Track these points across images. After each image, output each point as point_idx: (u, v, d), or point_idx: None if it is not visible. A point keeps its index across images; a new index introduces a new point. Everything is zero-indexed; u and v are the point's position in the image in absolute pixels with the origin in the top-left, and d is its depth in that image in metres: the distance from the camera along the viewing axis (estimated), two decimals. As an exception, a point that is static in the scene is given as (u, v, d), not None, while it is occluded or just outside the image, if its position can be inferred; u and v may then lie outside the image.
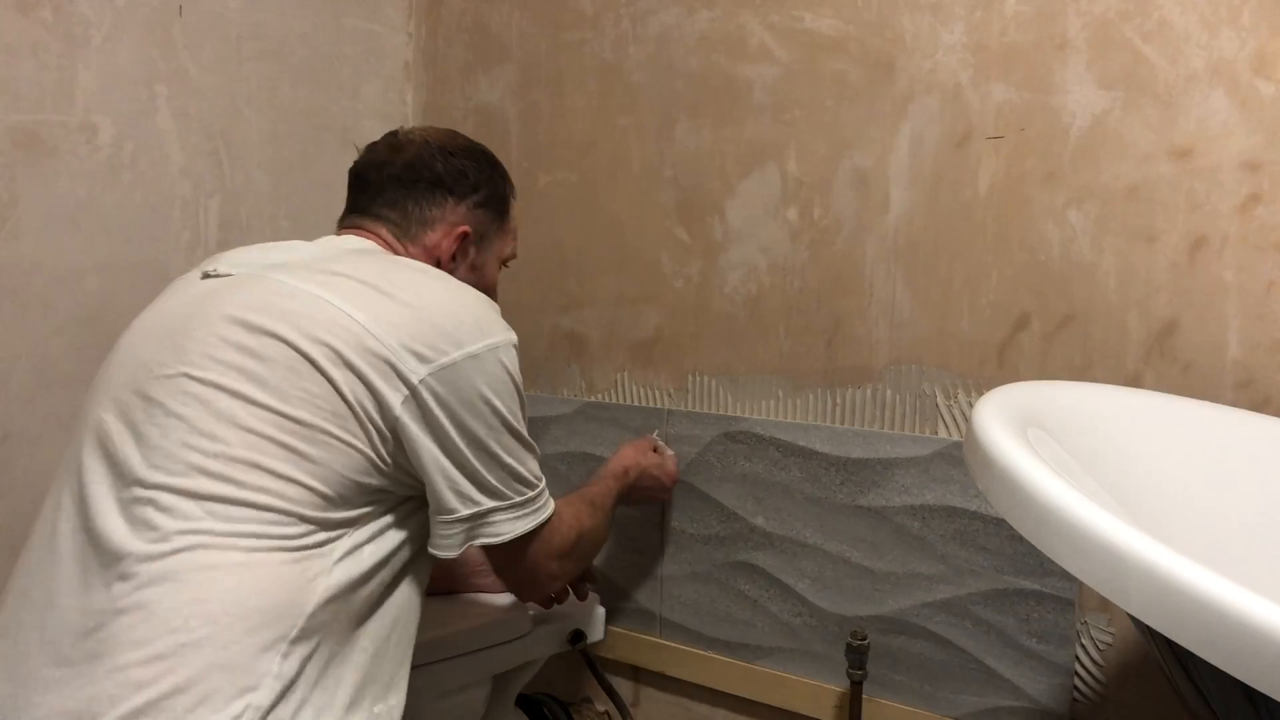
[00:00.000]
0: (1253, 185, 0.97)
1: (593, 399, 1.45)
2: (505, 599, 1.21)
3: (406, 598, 0.84)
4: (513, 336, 0.86)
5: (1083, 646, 1.06)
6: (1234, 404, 0.97)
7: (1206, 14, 0.99)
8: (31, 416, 1.22)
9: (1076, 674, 1.07)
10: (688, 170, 1.35)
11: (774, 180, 1.27)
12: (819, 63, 1.23)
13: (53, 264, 1.23)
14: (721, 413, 1.32)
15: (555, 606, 1.19)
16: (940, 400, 1.15)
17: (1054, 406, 0.79)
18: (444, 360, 0.79)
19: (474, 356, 0.81)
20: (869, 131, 1.19)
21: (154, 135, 1.32)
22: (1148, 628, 0.54)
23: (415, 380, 0.78)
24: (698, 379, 1.35)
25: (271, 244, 0.93)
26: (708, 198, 1.33)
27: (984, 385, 1.11)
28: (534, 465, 0.88)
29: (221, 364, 0.76)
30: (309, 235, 1.50)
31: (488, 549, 0.87)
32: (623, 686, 1.41)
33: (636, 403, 1.40)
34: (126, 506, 0.73)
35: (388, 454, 0.79)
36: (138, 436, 0.76)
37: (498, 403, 0.82)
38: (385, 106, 1.62)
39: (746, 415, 1.29)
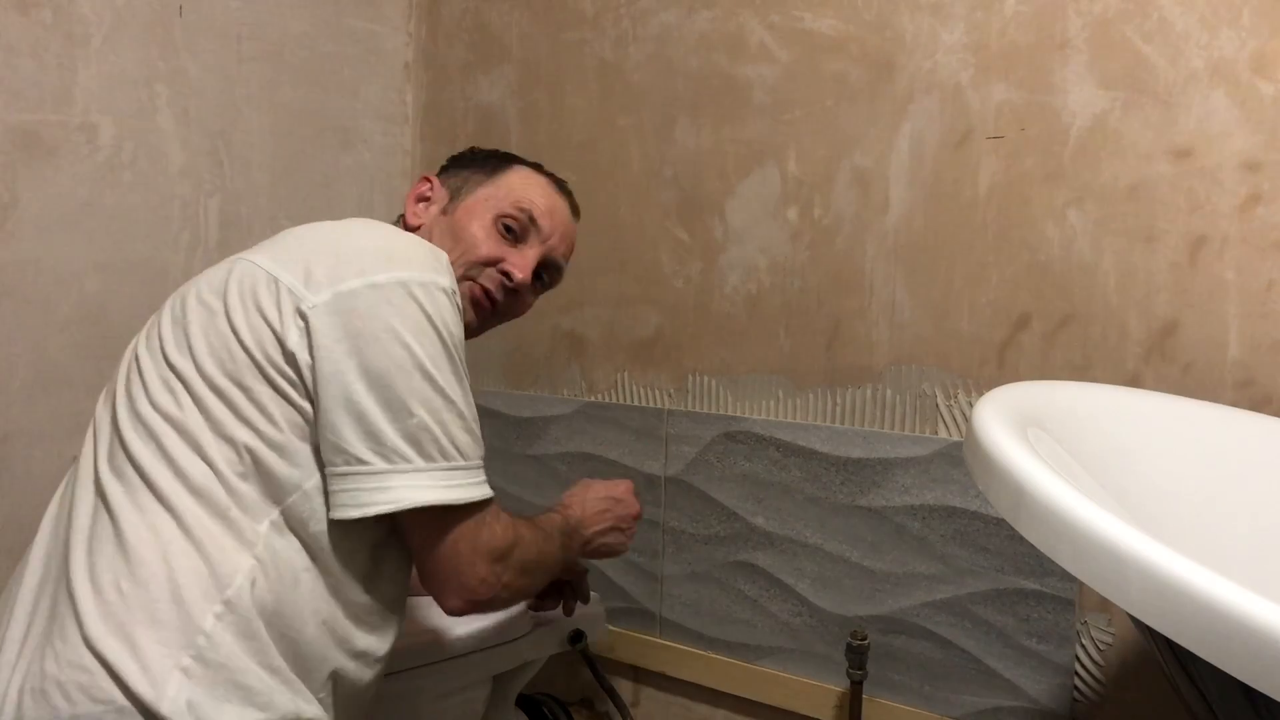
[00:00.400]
0: (1253, 185, 0.97)
1: (593, 399, 1.45)
2: (505, 599, 1.20)
3: (379, 568, 0.78)
4: (441, 280, 0.77)
5: (1083, 646, 1.06)
6: (1234, 404, 0.97)
7: (1206, 14, 0.99)
8: (31, 416, 1.22)
9: (1076, 674, 1.07)
10: (688, 170, 1.35)
11: (774, 180, 1.27)
12: (819, 63, 1.23)
13: (53, 264, 1.23)
14: (721, 413, 1.32)
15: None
16: (940, 400, 1.15)
17: (1054, 406, 0.79)
18: (342, 287, 0.73)
19: (375, 285, 0.73)
20: (869, 131, 1.19)
21: (154, 135, 1.32)
22: (1148, 628, 0.54)
23: (307, 307, 0.73)
24: (698, 379, 1.35)
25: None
26: (708, 198, 1.33)
27: (984, 385, 1.11)
28: (462, 436, 0.76)
29: (172, 332, 0.77)
30: (309, 235, 1.51)
31: (409, 530, 0.77)
32: (623, 686, 1.41)
33: (636, 403, 1.40)
34: (105, 486, 0.74)
35: (309, 404, 0.73)
36: (115, 421, 0.77)
37: (409, 338, 0.73)
38: (385, 106, 1.62)
39: (746, 415, 1.29)
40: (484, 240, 0.92)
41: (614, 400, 1.43)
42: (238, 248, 1.41)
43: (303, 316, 0.72)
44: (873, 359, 1.20)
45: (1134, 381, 1.03)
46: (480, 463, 0.78)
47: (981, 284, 1.12)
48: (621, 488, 1.05)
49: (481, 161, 0.99)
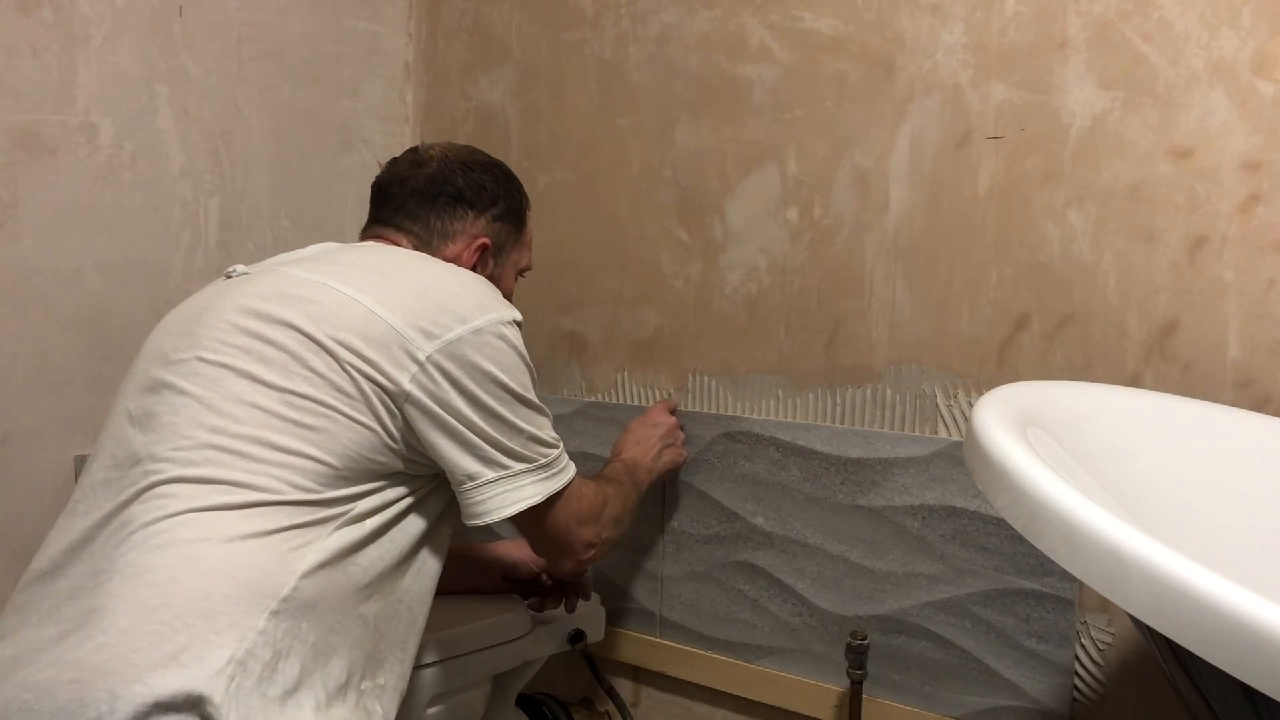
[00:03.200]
0: (1253, 185, 0.97)
1: (593, 399, 1.45)
2: (505, 599, 1.21)
3: (414, 580, 0.86)
4: (514, 314, 0.89)
5: (1083, 646, 1.06)
6: (1234, 404, 0.97)
7: (1206, 14, 0.99)
8: (31, 416, 1.22)
9: (1076, 674, 1.07)
10: (688, 170, 1.35)
11: (774, 180, 1.27)
12: (819, 63, 1.23)
13: (53, 264, 1.23)
14: (721, 413, 1.32)
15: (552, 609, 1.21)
16: (940, 400, 1.15)
17: (1054, 406, 0.79)
18: (449, 335, 0.83)
19: (477, 330, 0.84)
20: (869, 131, 1.19)
21: (154, 135, 1.32)
22: (1148, 628, 0.54)
23: (423, 356, 0.81)
24: (698, 379, 1.35)
25: (295, 250, 0.99)
26: (708, 198, 1.33)
27: (984, 385, 1.11)
28: (549, 428, 0.91)
29: (232, 347, 0.81)
30: (309, 235, 1.51)
31: (520, 521, 0.89)
32: (623, 686, 1.41)
33: (636, 403, 1.40)
34: (135, 482, 0.76)
35: (397, 430, 0.81)
36: (150, 415, 0.80)
37: (503, 375, 0.85)
38: (385, 106, 1.62)
39: (746, 415, 1.29)
40: (510, 290, 1.07)
41: (614, 400, 1.43)
42: (238, 248, 1.42)
43: (417, 362, 0.81)
44: (872, 359, 1.20)
45: (1134, 381, 1.03)
46: (562, 445, 0.92)
47: (981, 284, 1.12)
48: (655, 413, 1.28)
49: (516, 217, 1.07)
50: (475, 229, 1.02)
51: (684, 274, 1.35)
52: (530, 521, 0.90)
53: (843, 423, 1.22)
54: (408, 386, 0.81)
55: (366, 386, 0.80)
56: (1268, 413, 0.94)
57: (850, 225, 1.21)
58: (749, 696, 1.29)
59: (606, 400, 1.43)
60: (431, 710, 1.08)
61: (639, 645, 1.38)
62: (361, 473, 0.80)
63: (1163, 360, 1.02)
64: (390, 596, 0.83)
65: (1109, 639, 1.05)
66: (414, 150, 1.06)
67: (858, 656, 1.14)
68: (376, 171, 1.07)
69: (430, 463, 0.85)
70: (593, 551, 0.98)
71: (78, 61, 1.24)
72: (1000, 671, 1.10)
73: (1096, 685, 1.06)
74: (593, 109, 1.44)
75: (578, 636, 1.24)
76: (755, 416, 1.29)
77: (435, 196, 1.01)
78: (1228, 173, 0.98)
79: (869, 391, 1.20)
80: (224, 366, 0.80)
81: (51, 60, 1.22)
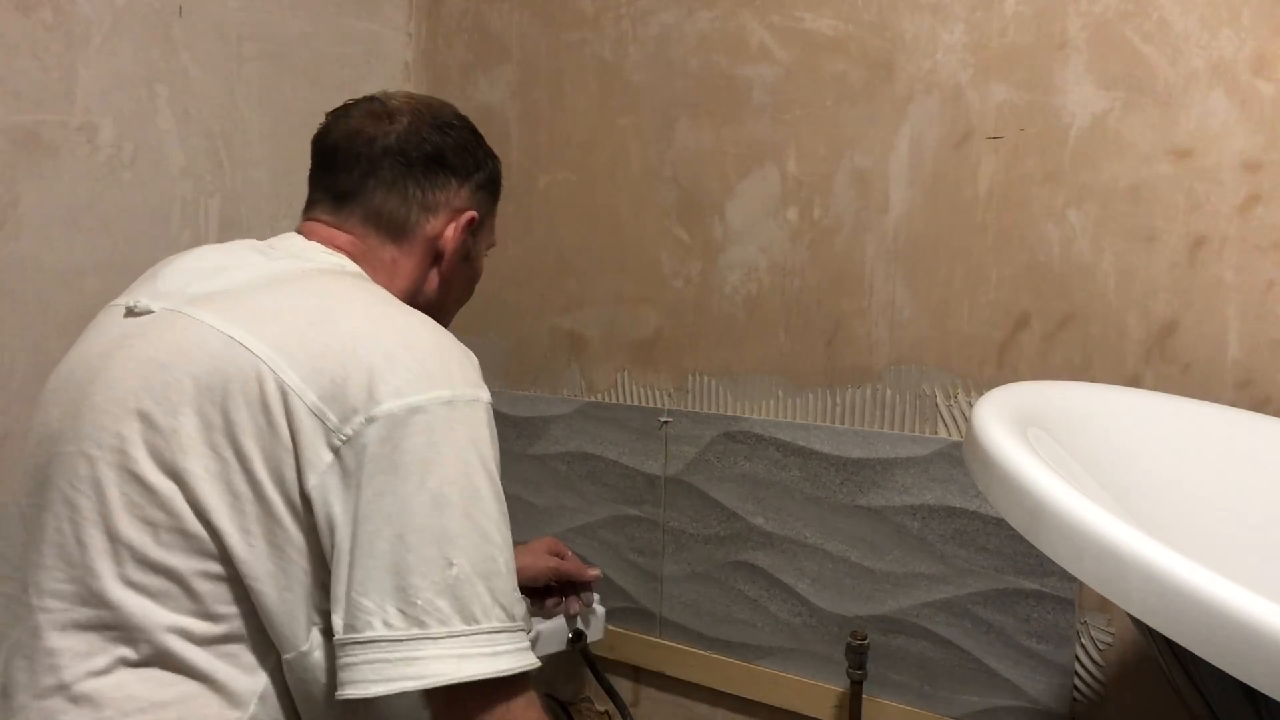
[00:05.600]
0: (1253, 185, 0.97)
1: (593, 399, 1.45)
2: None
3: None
4: (483, 394, 0.67)
5: (1083, 646, 1.06)
6: (1234, 404, 0.97)
7: (1206, 14, 0.99)
8: (31, 417, 1.22)
9: (1076, 674, 1.07)
10: (688, 170, 1.35)
11: (774, 180, 1.27)
12: (819, 63, 1.23)
13: (53, 264, 1.23)
14: (721, 413, 1.32)
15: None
16: (940, 400, 1.15)
17: (1054, 406, 0.79)
18: (377, 410, 0.62)
19: (418, 410, 0.62)
20: (869, 131, 1.19)
21: (154, 135, 1.32)
22: (1148, 628, 0.54)
23: (339, 440, 0.61)
24: (698, 379, 1.35)
25: (217, 259, 0.77)
26: (708, 198, 1.33)
27: (984, 385, 1.11)
28: (507, 591, 0.64)
29: (113, 445, 0.65)
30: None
31: (432, 704, 0.63)
32: (623, 686, 1.41)
33: (636, 403, 1.40)
34: (23, 621, 0.64)
35: (305, 550, 0.63)
36: (37, 542, 0.66)
37: (451, 473, 0.62)
38: (385, 106, 1.62)
39: (746, 415, 1.29)
40: (479, 272, 0.91)
41: (614, 400, 1.43)
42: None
43: (332, 450, 0.61)
44: (872, 359, 1.20)
45: (1134, 381, 1.03)
46: (525, 624, 0.65)
47: (981, 284, 1.12)
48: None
49: (495, 186, 0.90)
50: (459, 199, 0.83)
51: (684, 274, 1.35)
52: (450, 709, 0.63)
53: (843, 423, 1.22)
54: (311, 486, 0.61)
55: (274, 489, 0.62)
56: (1268, 413, 0.94)
57: (850, 225, 1.21)
58: (749, 696, 1.29)
59: (606, 400, 1.43)
60: (431, 710, 1.08)
61: (639, 645, 1.38)
62: (303, 617, 0.64)
63: (1163, 360, 1.02)
64: None
65: (1109, 639, 1.05)
66: (371, 99, 0.84)
67: (858, 656, 1.14)
68: None
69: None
70: None
71: (78, 61, 1.24)
72: (1000, 671, 1.10)
73: (1096, 685, 1.06)
74: (593, 109, 1.44)
75: (578, 636, 1.24)
76: (755, 416, 1.29)
77: (414, 158, 0.80)
78: (1228, 173, 0.98)
79: (869, 391, 1.20)
80: (101, 480, 0.64)
81: (51, 60, 1.22)
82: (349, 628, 0.60)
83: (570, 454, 1.45)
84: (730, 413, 1.31)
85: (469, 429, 0.64)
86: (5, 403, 1.20)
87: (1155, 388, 1.02)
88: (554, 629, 1.23)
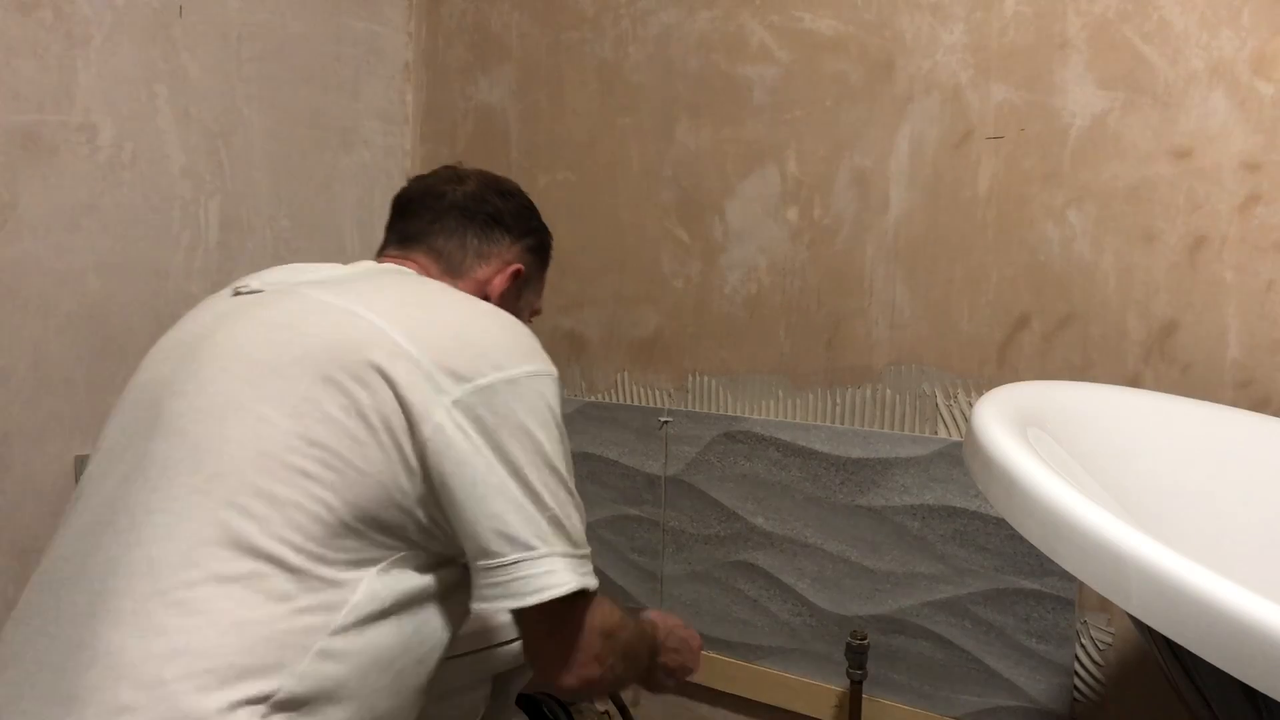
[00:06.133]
0: (1253, 185, 0.97)
1: (593, 399, 1.45)
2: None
3: (416, 667, 0.77)
4: (554, 370, 0.80)
5: (1083, 646, 1.06)
6: (1234, 404, 0.97)
7: (1206, 14, 0.99)
8: (32, 416, 1.22)
9: (1076, 674, 1.07)
10: (688, 170, 1.35)
11: (774, 180, 1.27)
12: (819, 63, 1.23)
13: (53, 264, 1.23)
14: (721, 413, 1.32)
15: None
16: (940, 400, 1.15)
17: (1054, 406, 0.79)
18: (483, 380, 0.74)
19: (512, 381, 0.75)
20: (869, 131, 1.19)
21: (154, 135, 1.32)
22: (1148, 628, 0.54)
23: (449, 400, 0.72)
24: (698, 379, 1.35)
25: (306, 264, 0.89)
26: (708, 198, 1.33)
27: (984, 385, 1.11)
28: (580, 528, 0.78)
29: (237, 381, 0.73)
30: (309, 235, 1.51)
31: (527, 614, 0.76)
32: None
33: (636, 402, 1.40)
34: (125, 539, 0.69)
35: (413, 489, 0.72)
36: (143, 455, 0.72)
37: (539, 434, 0.76)
38: (385, 106, 1.62)
39: (746, 415, 1.29)
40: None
41: (614, 400, 1.43)
42: (237, 248, 1.42)
43: (443, 408, 0.72)
44: (872, 359, 1.20)
45: (1134, 381, 1.03)
46: (589, 551, 0.79)
47: (981, 284, 1.12)
48: (697, 641, 1.12)
49: (543, 254, 1.02)
50: (510, 254, 0.96)
51: (684, 274, 1.35)
52: (545, 618, 0.76)
53: (843, 423, 1.22)
54: (428, 434, 0.72)
55: (382, 434, 0.71)
56: (1268, 413, 0.94)
57: (850, 225, 1.21)
58: (749, 696, 1.29)
59: (606, 400, 1.43)
60: (432, 710, 1.08)
61: (639, 645, 1.38)
62: (371, 536, 0.72)
63: (1163, 360, 1.02)
64: (392, 683, 0.74)
65: (1109, 639, 1.05)
66: (449, 167, 1.00)
67: (858, 656, 1.14)
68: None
69: (446, 535, 0.75)
70: (600, 672, 0.81)
71: (78, 61, 1.24)
72: (1000, 671, 1.10)
73: (1096, 685, 1.06)
74: (593, 109, 1.44)
75: (578, 636, 1.24)
76: (755, 416, 1.29)
77: (475, 214, 0.94)
78: (1228, 173, 0.98)
79: (869, 391, 1.20)
80: (229, 401, 0.72)
81: (51, 60, 1.22)
82: (485, 553, 0.73)
83: (571, 454, 1.45)
84: (730, 413, 1.31)
85: (549, 398, 0.78)
86: (5, 403, 1.20)
87: (1155, 388, 1.02)
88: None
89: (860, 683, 1.15)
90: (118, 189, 1.29)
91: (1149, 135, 1.02)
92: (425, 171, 1.01)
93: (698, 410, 1.34)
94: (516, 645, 1.16)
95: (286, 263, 0.93)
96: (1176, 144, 1.01)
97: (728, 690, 1.31)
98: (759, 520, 1.27)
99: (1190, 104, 1.00)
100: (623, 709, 1.31)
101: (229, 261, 1.41)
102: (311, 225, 1.51)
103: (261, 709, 0.65)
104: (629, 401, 1.41)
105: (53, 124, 1.23)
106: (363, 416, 0.71)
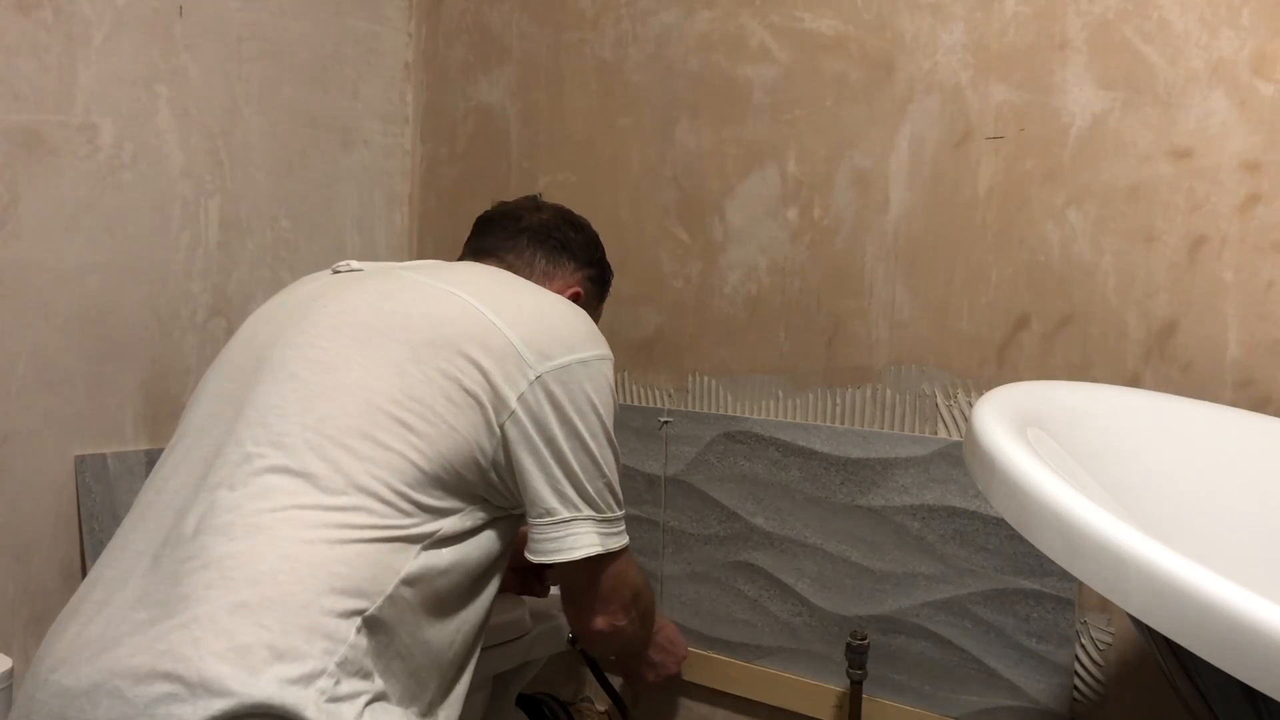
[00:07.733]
0: (1253, 185, 0.97)
1: (593, 399, 1.45)
2: (505, 599, 1.21)
3: (474, 611, 0.85)
4: (612, 355, 0.92)
5: (1083, 646, 1.06)
6: (1234, 404, 0.97)
7: (1206, 14, 0.99)
8: (32, 416, 1.22)
9: (1076, 674, 1.07)
10: (688, 170, 1.35)
11: (774, 180, 1.27)
12: (819, 63, 1.23)
13: (53, 264, 1.23)
14: (721, 413, 1.32)
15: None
16: (940, 400, 1.15)
17: (1054, 406, 0.79)
18: (560, 360, 0.84)
19: (585, 362, 0.86)
20: (869, 131, 1.19)
21: (154, 135, 1.32)
22: (1148, 628, 0.54)
23: (533, 376, 0.82)
24: (698, 379, 1.35)
25: (394, 262, 0.99)
26: (708, 198, 1.33)
27: (984, 385, 1.11)
28: (619, 493, 0.90)
29: (348, 338, 0.81)
30: (309, 235, 1.51)
31: (574, 564, 0.86)
32: (623, 686, 1.41)
33: (636, 403, 1.40)
34: (232, 463, 0.75)
35: (491, 448, 0.81)
36: (252, 396, 0.79)
37: (602, 410, 0.86)
38: (385, 106, 1.62)
39: (746, 415, 1.29)
40: None
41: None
42: (238, 248, 1.42)
43: (528, 381, 0.82)
44: (872, 359, 1.20)
45: (1134, 381, 1.03)
46: (624, 512, 0.92)
47: (981, 284, 1.12)
48: (683, 650, 1.28)
49: (603, 287, 1.13)
50: (573, 278, 1.06)
51: (684, 274, 1.35)
52: (585, 571, 0.88)
53: (843, 423, 1.22)
54: (514, 404, 0.81)
55: (474, 399, 0.80)
56: (1268, 413, 0.94)
57: (850, 225, 1.21)
58: (749, 696, 1.29)
59: (606, 400, 1.43)
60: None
61: (639, 645, 1.38)
62: (452, 487, 0.79)
63: (1163, 360, 1.02)
64: (450, 625, 0.82)
65: (1109, 639, 1.05)
66: (531, 197, 1.11)
67: (858, 656, 1.14)
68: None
69: (510, 492, 0.84)
70: (625, 622, 0.94)
71: (78, 61, 1.24)
72: (1000, 671, 1.10)
73: (1096, 685, 1.06)
74: (593, 109, 1.44)
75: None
76: (755, 416, 1.29)
77: (546, 239, 1.04)
78: (1227, 173, 0.98)
79: (869, 391, 1.20)
80: (339, 355, 0.79)
81: (51, 60, 1.22)
82: (548, 512, 0.83)
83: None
84: (730, 413, 1.31)
85: (608, 380, 0.89)
86: (5, 403, 1.20)
87: (1155, 388, 1.02)
88: (554, 629, 1.23)
89: (860, 683, 1.15)
90: (118, 189, 1.29)
91: (1149, 135, 1.02)
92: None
93: (697, 410, 1.34)
94: (516, 645, 1.16)
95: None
96: (1176, 144, 1.01)
97: (728, 690, 1.31)
98: (759, 520, 1.27)
99: (1190, 104, 1.00)
100: (622, 709, 1.32)
101: (229, 261, 1.41)
102: (311, 225, 1.51)
103: (357, 622, 0.71)
104: (629, 401, 1.41)
105: (53, 124, 1.23)
106: (458, 381, 0.79)
